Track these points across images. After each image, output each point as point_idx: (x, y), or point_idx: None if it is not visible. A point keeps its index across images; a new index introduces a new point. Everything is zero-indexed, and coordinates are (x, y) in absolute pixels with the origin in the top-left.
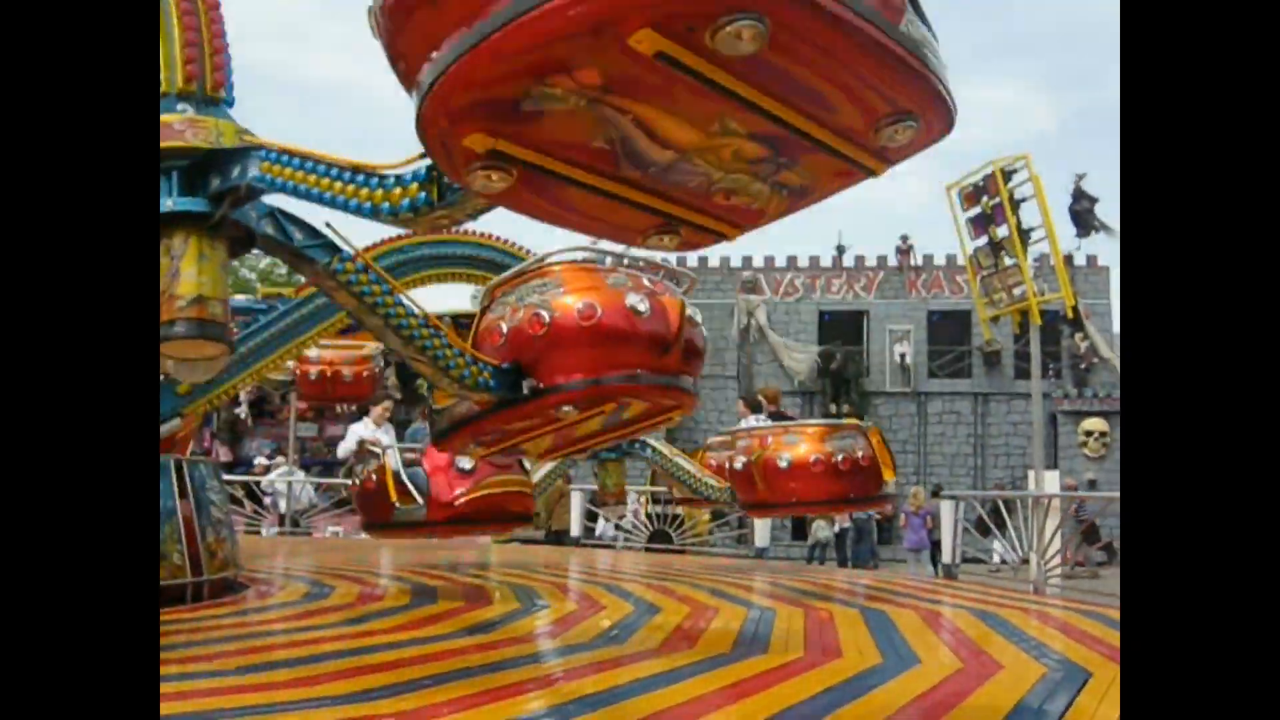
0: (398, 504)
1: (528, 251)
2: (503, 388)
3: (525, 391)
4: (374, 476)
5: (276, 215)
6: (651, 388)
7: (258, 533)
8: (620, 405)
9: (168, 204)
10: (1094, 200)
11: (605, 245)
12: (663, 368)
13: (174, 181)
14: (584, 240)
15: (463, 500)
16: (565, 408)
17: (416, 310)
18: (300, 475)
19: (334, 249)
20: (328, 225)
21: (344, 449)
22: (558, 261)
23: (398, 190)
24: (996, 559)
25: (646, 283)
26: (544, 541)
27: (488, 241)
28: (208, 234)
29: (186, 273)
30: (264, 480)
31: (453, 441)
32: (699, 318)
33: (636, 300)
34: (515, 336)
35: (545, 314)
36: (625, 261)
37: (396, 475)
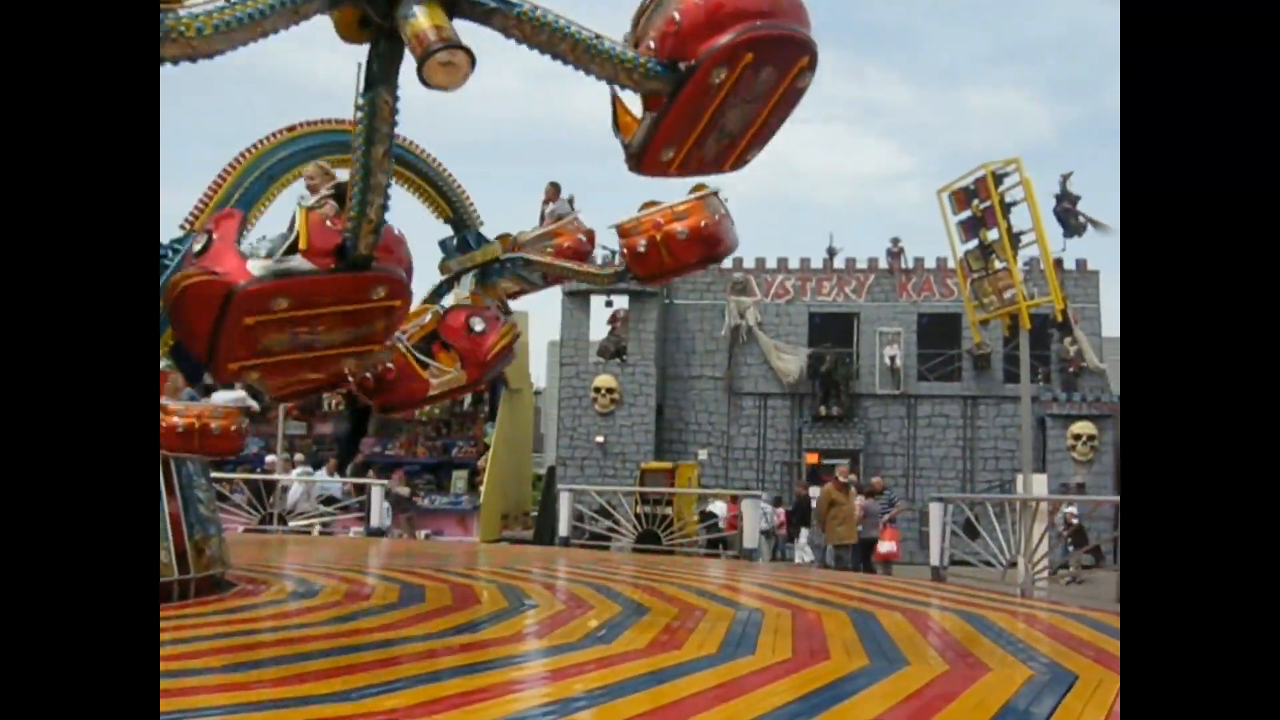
0: (433, 377)
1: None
2: (664, 71)
3: (681, 69)
4: (390, 364)
5: None
6: (775, 34)
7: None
8: (757, 66)
9: None
10: (1076, 199)
11: None
12: (774, 16)
13: None
14: None
15: (493, 351)
16: (717, 70)
17: (585, 28)
18: (318, 474)
19: (512, 3)
20: None
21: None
22: None
23: None
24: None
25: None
26: (532, 541)
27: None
28: None
29: (419, 16)
30: (283, 479)
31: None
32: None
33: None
34: (661, 41)
35: (675, 13)
36: None
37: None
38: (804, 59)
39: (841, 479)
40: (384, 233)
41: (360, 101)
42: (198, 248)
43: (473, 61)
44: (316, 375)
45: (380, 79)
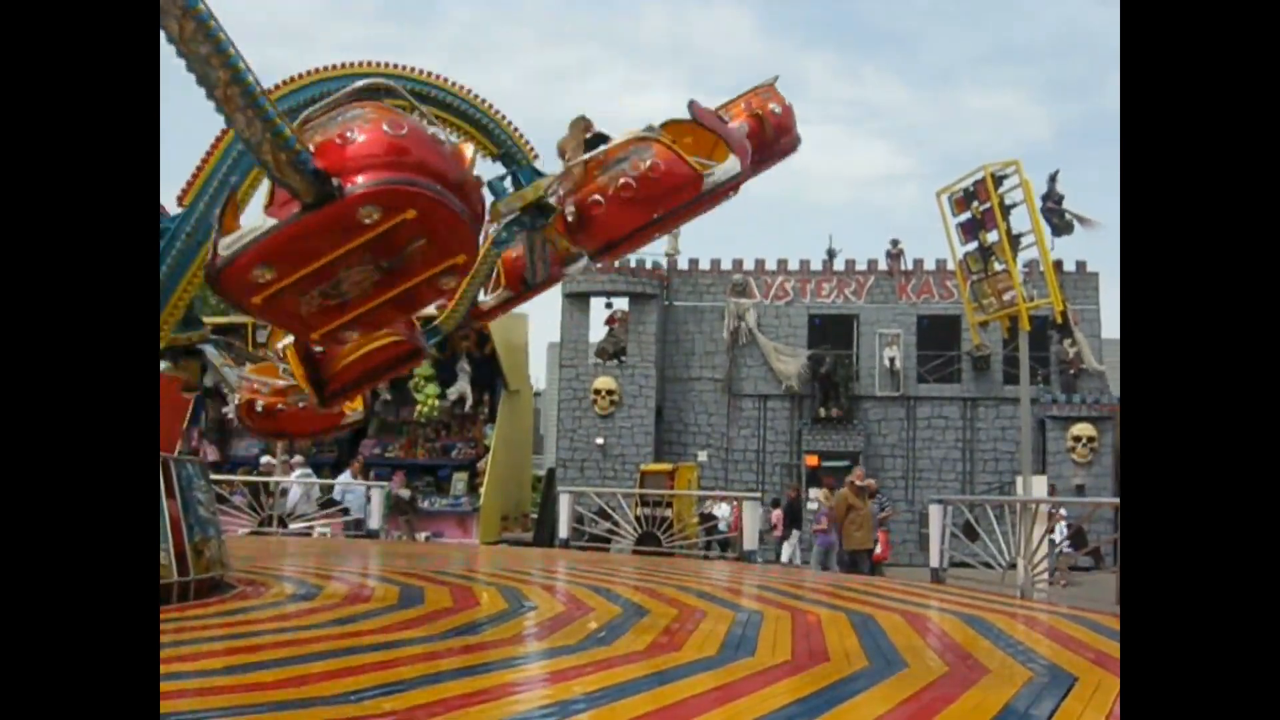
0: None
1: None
2: (317, 179)
3: (334, 186)
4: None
5: None
6: (447, 206)
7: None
8: (412, 224)
9: None
10: (1060, 197)
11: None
12: (459, 191)
13: None
14: None
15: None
16: (367, 208)
17: (256, 81)
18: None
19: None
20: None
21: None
22: (363, 99)
23: None
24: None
25: (442, 130)
26: (532, 543)
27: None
28: None
29: None
30: (282, 481)
31: (238, 271)
32: (482, 180)
33: (438, 132)
34: (323, 150)
35: (352, 131)
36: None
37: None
38: (461, 257)
39: (858, 483)
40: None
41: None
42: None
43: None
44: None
45: None
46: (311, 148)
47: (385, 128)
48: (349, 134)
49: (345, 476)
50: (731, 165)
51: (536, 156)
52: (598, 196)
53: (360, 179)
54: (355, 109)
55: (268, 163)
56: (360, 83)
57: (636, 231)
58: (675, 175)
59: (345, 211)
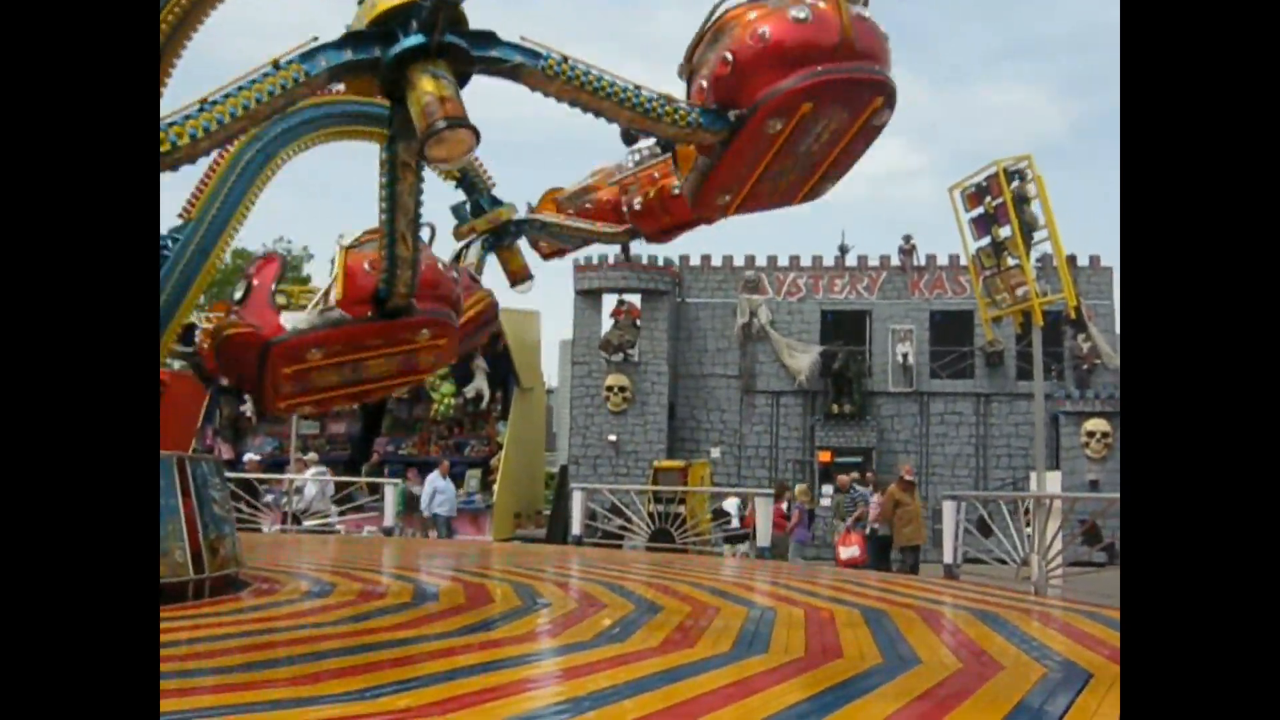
0: None
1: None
2: (713, 123)
3: (732, 118)
4: None
5: (492, 40)
6: (841, 78)
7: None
8: (818, 113)
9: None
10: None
11: None
12: (844, 57)
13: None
14: None
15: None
16: (772, 120)
17: (621, 79)
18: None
19: (538, 54)
20: (522, 39)
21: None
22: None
23: None
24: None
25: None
26: (545, 540)
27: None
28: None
29: (424, 85)
30: (297, 479)
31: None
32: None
33: (796, 10)
34: (715, 84)
35: (727, 54)
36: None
37: None
38: (877, 100)
39: (907, 478)
40: (427, 270)
41: (383, 156)
42: (238, 295)
43: (477, 137)
44: (367, 399)
45: (400, 135)
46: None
47: (765, 33)
48: (754, 35)
49: (435, 476)
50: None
51: (494, 184)
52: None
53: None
54: (733, 25)
55: (674, 137)
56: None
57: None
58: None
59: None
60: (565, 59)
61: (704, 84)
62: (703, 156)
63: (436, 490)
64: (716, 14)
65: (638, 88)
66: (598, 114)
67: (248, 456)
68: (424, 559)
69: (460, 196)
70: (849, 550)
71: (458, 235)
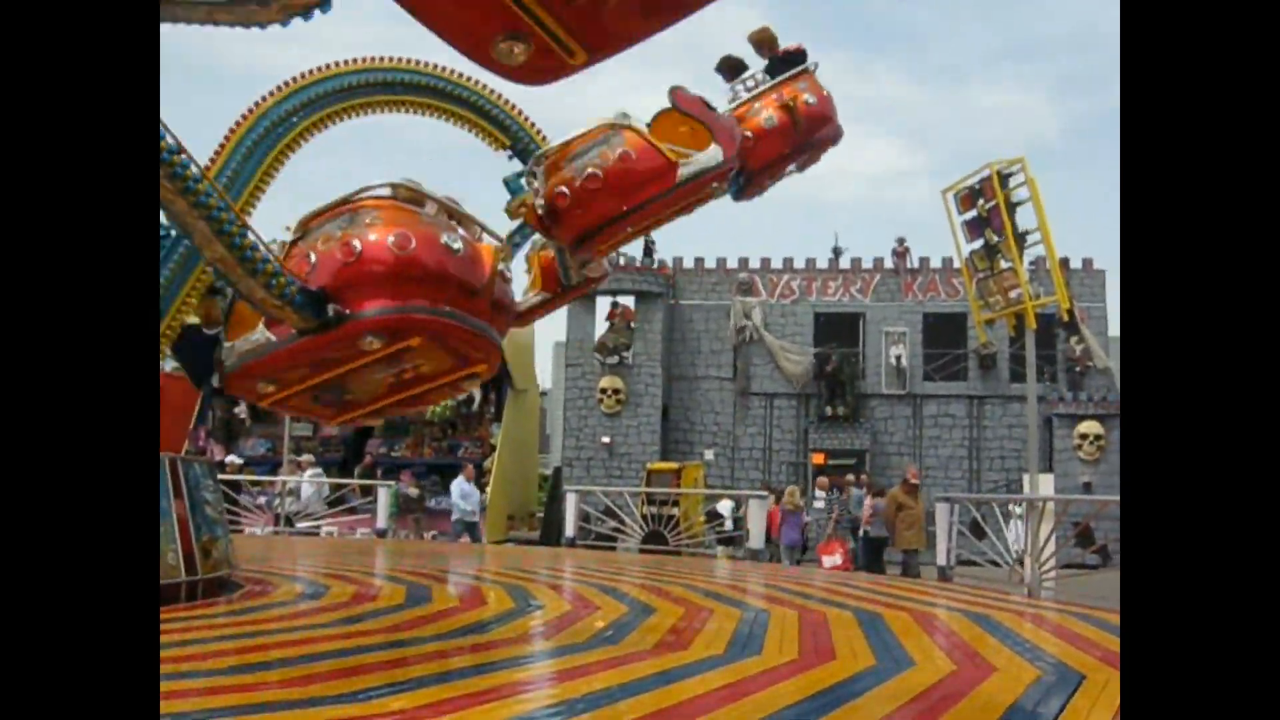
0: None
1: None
2: (308, 308)
3: (330, 315)
4: None
5: None
6: (458, 328)
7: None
8: (422, 347)
9: None
10: None
11: (426, 187)
12: (472, 311)
13: None
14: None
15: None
16: (369, 337)
17: (239, 216)
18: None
19: (175, 150)
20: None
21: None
22: (374, 196)
23: None
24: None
25: (460, 229)
26: (539, 542)
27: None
28: None
29: None
30: (291, 480)
31: (242, 379)
32: (511, 274)
33: (450, 239)
34: (325, 262)
35: (357, 243)
36: (444, 203)
37: None
38: (481, 366)
39: (913, 481)
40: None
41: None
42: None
43: None
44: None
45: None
46: (314, 257)
47: (391, 241)
48: (353, 244)
49: (460, 480)
50: (712, 154)
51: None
52: (563, 188)
53: (367, 308)
54: (365, 213)
55: (257, 300)
56: (377, 187)
57: (609, 224)
58: (646, 164)
59: (345, 339)
60: (191, 162)
61: (312, 258)
62: (257, 337)
63: (464, 494)
64: (363, 195)
65: (256, 236)
66: (187, 234)
67: (229, 458)
68: (418, 561)
69: (516, 166)
70: (831, 559)
71: (510, 213)
